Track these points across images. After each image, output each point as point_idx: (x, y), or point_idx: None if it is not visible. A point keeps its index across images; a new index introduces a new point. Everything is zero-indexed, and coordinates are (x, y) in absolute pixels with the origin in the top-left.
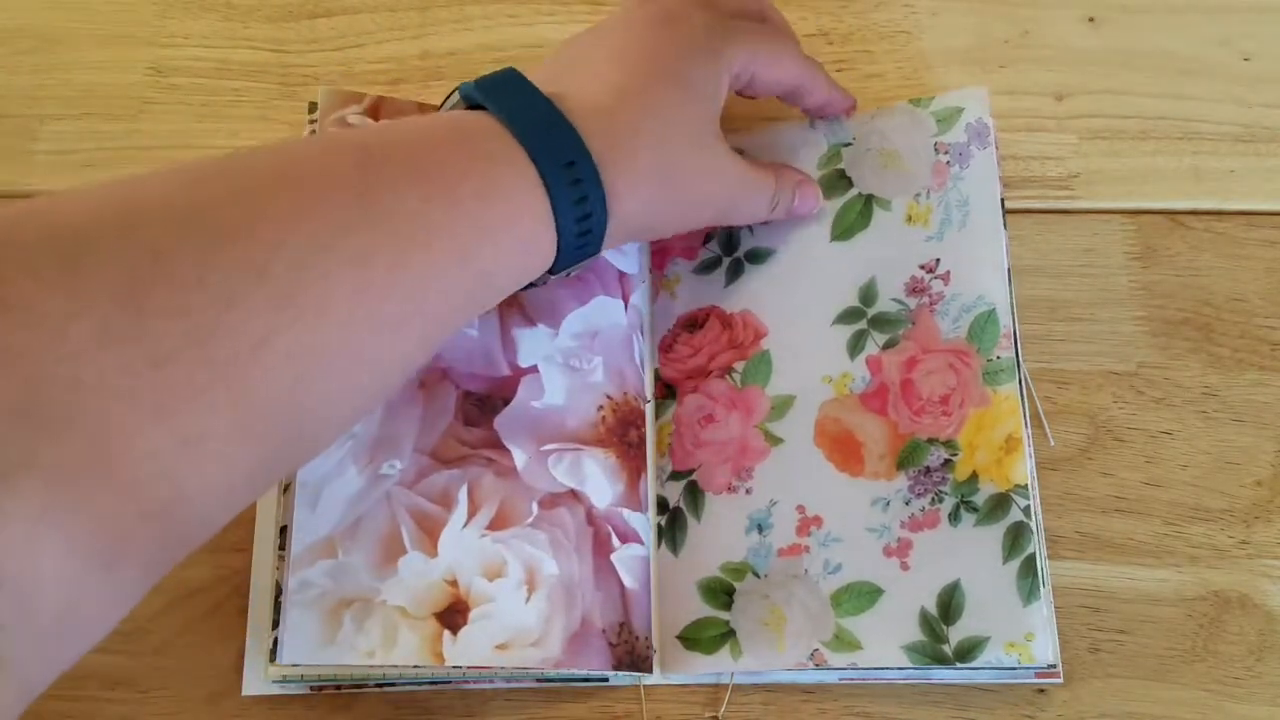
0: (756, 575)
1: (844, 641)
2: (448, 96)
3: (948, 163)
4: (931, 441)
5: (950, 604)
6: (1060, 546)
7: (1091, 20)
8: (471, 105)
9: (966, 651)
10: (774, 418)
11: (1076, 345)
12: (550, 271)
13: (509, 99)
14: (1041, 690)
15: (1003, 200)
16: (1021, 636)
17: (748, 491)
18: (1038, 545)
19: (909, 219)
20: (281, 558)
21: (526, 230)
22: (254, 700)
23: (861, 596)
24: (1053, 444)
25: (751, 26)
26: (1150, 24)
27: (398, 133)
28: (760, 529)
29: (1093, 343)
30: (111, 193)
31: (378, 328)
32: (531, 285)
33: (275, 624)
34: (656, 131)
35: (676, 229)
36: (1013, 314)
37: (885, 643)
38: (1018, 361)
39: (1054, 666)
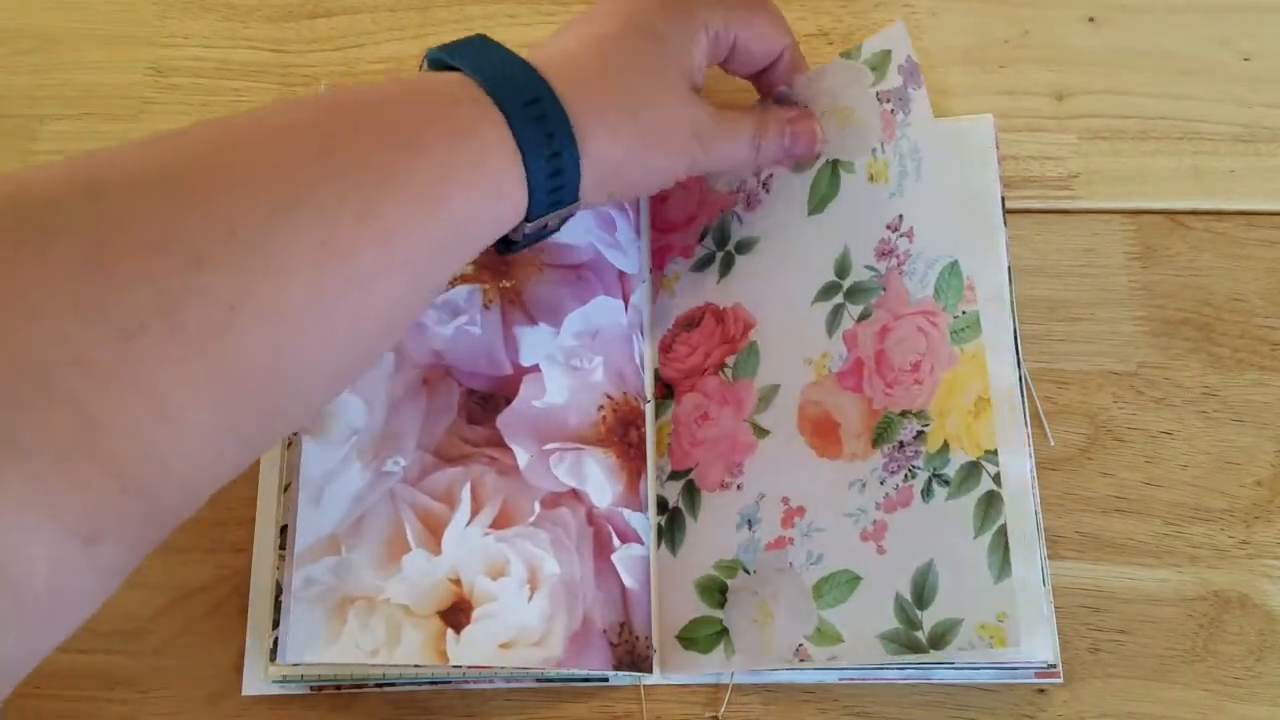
0: (747, 572)
1: (825, 634)
2: (420, 66)
3: (892, 110)
4: (904, 414)
5: (924, 587)
6: (1060, 546)
7: (1091, 20)
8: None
9: (940, 637)
10: (761, 409)
11: (1076, 345)
12: (527, 218)
13: (472, 53)
14: (1041, 690)
15: (1003, 200)
16: (994, 617)
17: (738, 487)
18: (1036, 524)
19: (871, 178)
20: (282, 557)
21: (495, 169)
22: (254, 700)
23: (840, 586)
24: (1053, 444)
25: None
26: (1150, 24)
27: (364, 91)
28: (750, 524)
29: (1093, 343)
30: (77, 164)
31: (349, 283)
32: (514, 244)
33: (275, 624)
34: (623, 71)
35: (656, 177)
36: (1013, 314)
37: (862, 633)
38: (1018, 361)
39: (1054, 666)
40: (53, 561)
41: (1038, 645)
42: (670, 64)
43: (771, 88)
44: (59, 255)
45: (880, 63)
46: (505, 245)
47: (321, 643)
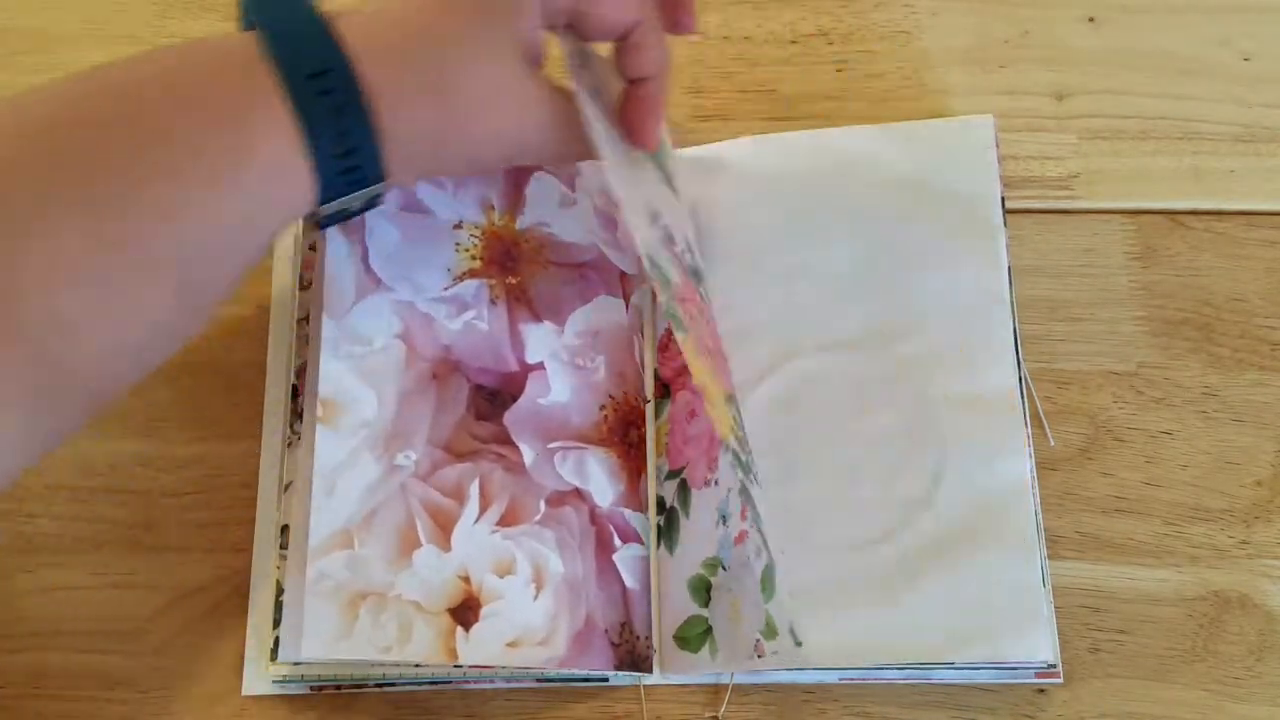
0: (724, 568)
1: (770, 628)
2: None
3: None
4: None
5: (773, 578)
6: (1060, 546)
7: (1091, 20)
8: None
9: (773, 630)
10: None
11: (1076, 345)
12: (322, 201)
13: (273, 10)
14: (1041, 690)
15: (1003, 199)
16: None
17: (715, 483)
18: (1036, 524)
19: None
20: (283, 557)
21: (274, 152)
22: (254, 700)
23: (770, 578)
24: (1053, 444)
25: None
26: (1150, 24)
27: (152, 65)
28: (724, 520)
29: (1093, 343)
30: None
31: (100, 300)
32: (328, 218)
33: (276, 623)
34: (438, 38)
35: (480, 157)
36: (1013, 314)
37: (783, 624)
38: (1018, 361)
39: (1054, 666)
40: None
41: (1038, 645)
42: (495, 29)
43: (628, 71)
44: None
45: None
46: (318, 221)
47: (334, 638)
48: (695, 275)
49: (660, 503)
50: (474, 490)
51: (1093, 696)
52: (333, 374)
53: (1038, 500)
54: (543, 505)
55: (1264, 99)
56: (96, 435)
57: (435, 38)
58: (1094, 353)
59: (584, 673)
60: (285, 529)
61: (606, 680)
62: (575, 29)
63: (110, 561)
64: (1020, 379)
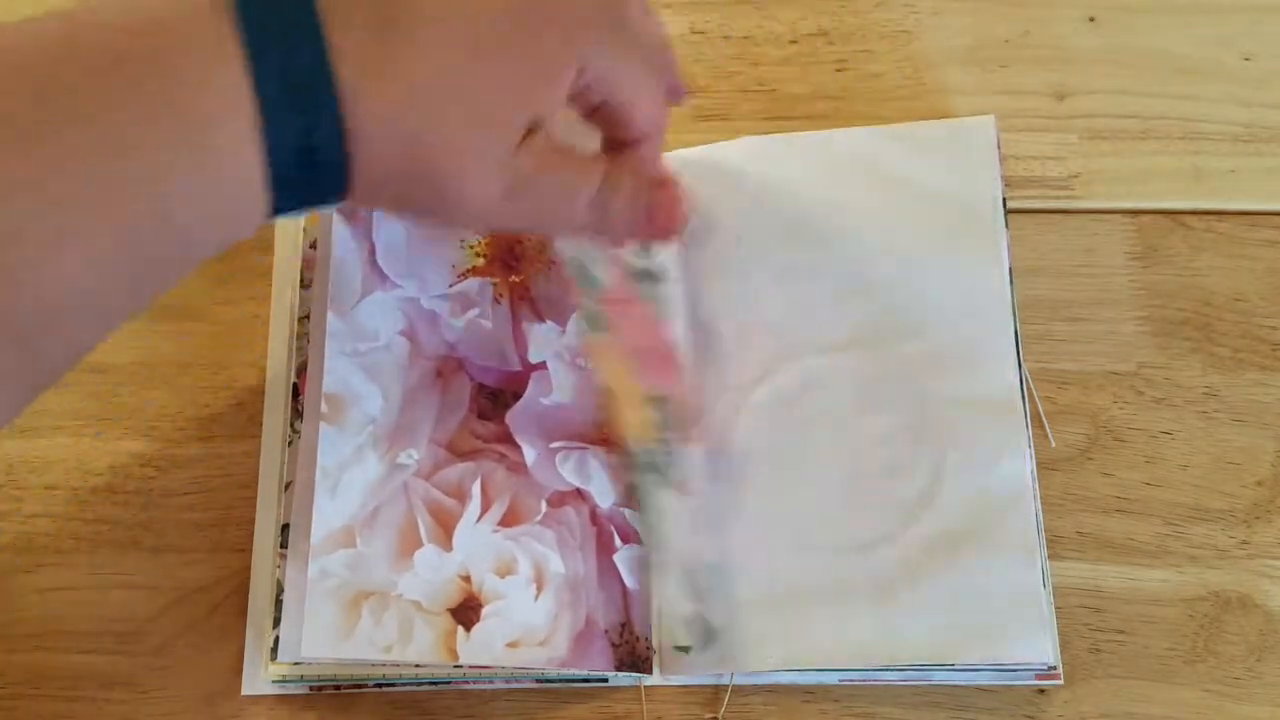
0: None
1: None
2: None
3: None
4: None
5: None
6: (1060, 546)
7: (1092, 20)
8: None
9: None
10: None
11: (1076, 345)
12: (275, 211)
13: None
14: (1042, 691)
15: (1004, 200)
16: None
17: None
18: (1036, 524)
19: None
20: (283, 556)
21: (231, 162)
22: (253, 700)
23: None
24: (1053, 444)
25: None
26: (1150, 24)
27: (92, 41)
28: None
29: (1093, 343)
30: None
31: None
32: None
33: (276, 623)
34: (444, 45)
35: (442, 209)
36: (1013, 314)
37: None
38: (1018, 362)
39: (1054, 667)
40: None
41: (1039, 646)
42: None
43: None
44: None
45: None
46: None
47: (336, 637)
48: (646, 276)
49: None
50: (475, 490)
51: (1093, 697)
52: (338, 370)
53: (1038, 500)
54: (544, 505)
55: (1264, 99)
56: (96, 435)
57: (443, 29)
58: (1094, 353)
59: (584, 673)
60: (285, 528)
61: (606, 681)
62: (600, 119)
63: (110, 561)
64: (1021, 379)
